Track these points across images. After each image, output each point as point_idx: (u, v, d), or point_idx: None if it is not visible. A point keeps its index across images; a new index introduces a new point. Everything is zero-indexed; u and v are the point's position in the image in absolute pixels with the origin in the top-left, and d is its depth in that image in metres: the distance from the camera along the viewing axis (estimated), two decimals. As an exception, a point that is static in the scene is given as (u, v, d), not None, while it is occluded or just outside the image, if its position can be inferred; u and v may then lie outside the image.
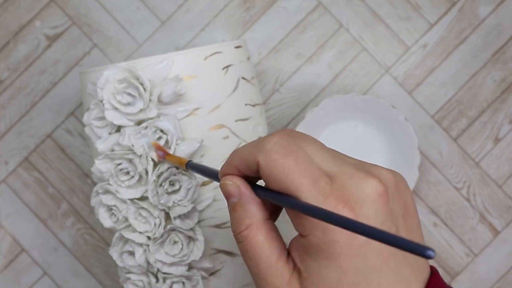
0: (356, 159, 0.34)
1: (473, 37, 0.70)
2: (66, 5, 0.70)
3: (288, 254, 0.31)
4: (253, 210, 0.31)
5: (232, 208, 0.32)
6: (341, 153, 0.33)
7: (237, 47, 0.54)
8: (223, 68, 0.52)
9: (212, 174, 0.37)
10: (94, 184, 0.53)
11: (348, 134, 0.69)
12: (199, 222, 0.51)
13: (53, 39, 0.70)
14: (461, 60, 0.70)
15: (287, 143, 0.31)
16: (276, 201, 0.30)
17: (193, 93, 0.50)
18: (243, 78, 0.53)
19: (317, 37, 0.70)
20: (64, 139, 0.70)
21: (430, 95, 0.70)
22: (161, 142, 0.48)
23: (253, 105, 0.55)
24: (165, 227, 0.49)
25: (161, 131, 0.49)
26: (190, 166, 0.42)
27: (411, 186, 0.66)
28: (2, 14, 0.70)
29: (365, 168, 0.31)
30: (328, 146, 0.34)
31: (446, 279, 0.69)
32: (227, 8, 0.70)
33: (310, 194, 0.29)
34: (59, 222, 0.70)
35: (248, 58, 0.56)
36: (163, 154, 0.48)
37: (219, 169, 0.34)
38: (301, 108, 0.70)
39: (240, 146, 0.35)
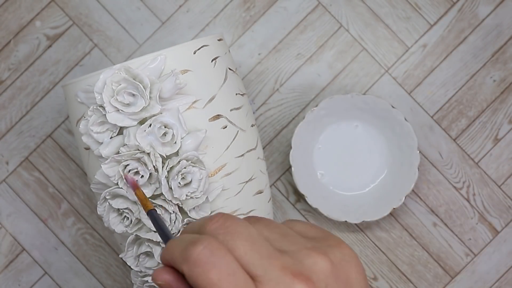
0: (295, 242, 0.32)
1: (472, 37, 0.70)
2: (67, 5, 0.70)
3: None
4: None
5: None
6: (278, 237, 0.32)
7: (219, 40, 0.55)
8: (212, 60, 0.53)
9: (164, 238, 0.37)
10: (95, 194, 0.52)
11: (348, 134, 0.69)
12: (211, 213, 0.51)
13: (54, 39, 0.70)
14: (460, 60, 0.70)
15: (211, 252, 0.30)
16: None
17: (189, 87, 0.51)
18: (229, 69, 0.55)
19: (317, 37, 0.70)
20: (65, 139, 0.70)
21: (430, 95, 0.70)
22: (167, 138, 0.49)
23: (242, 94, 0.56)
24: (182, 221, 0.50)
25: (165, 126, 0.49)
26: (151, 215, 0.41)
27: (411, 186, 0.66)
28: (3, 14, 0.71)
29: (296, 266, 0.30)
30: (271, 225, 0.33)
31: (445, 279, 0.69)
32: (227, 8, 0.71)
33: None
34: (60, 222, 0.70)
35: (229, 50, 0.57)
36: (134, 187, 0.47)
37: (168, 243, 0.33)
38: (301, 108, 0.70)
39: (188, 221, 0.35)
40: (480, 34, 0.70)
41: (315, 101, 0.70)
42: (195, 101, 0.51)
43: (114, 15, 0.71)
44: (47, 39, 0.70)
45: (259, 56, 0.70)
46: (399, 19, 0.70)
